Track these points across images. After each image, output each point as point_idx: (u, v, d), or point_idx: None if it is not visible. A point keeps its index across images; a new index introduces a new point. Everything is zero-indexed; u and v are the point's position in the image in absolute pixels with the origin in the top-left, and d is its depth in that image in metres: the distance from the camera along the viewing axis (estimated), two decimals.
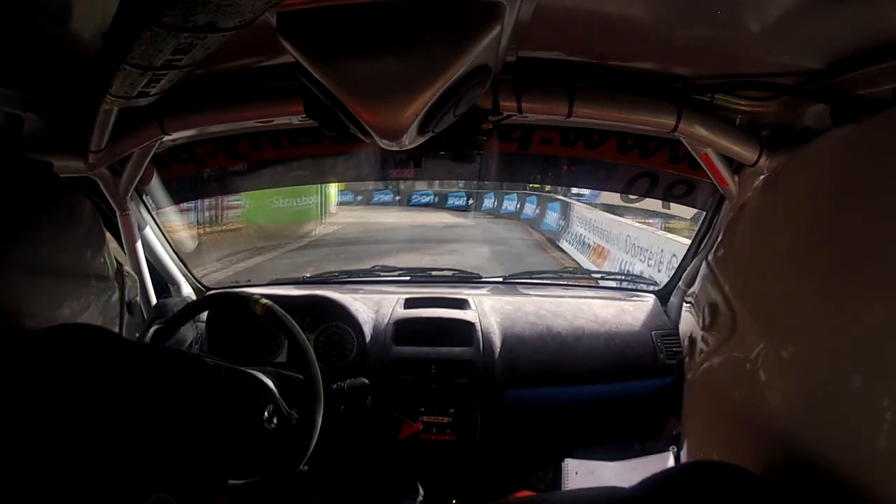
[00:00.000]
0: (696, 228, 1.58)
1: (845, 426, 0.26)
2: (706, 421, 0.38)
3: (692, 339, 0.40)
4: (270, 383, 0.92)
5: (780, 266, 0.32)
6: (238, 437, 0.77)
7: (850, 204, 0.30)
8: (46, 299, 0.49)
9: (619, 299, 1.66)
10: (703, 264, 0.41)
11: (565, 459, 1.10)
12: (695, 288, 0.42)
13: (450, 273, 1.95)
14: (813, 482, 0.28)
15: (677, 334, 1.51)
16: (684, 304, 0.45)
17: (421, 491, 1.33)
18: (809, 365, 0.28)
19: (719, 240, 0.41)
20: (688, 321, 0.42)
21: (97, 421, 0.40)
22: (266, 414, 0.86)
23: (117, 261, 0.62)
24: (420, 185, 16.51)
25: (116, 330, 0.59)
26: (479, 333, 1.48)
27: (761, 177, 0.38)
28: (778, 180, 0.37)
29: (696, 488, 0.29)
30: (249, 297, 0.92)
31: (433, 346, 1.47)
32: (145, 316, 1.47)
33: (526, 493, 1.18)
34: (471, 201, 15.19)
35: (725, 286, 0.36)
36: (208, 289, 1.73)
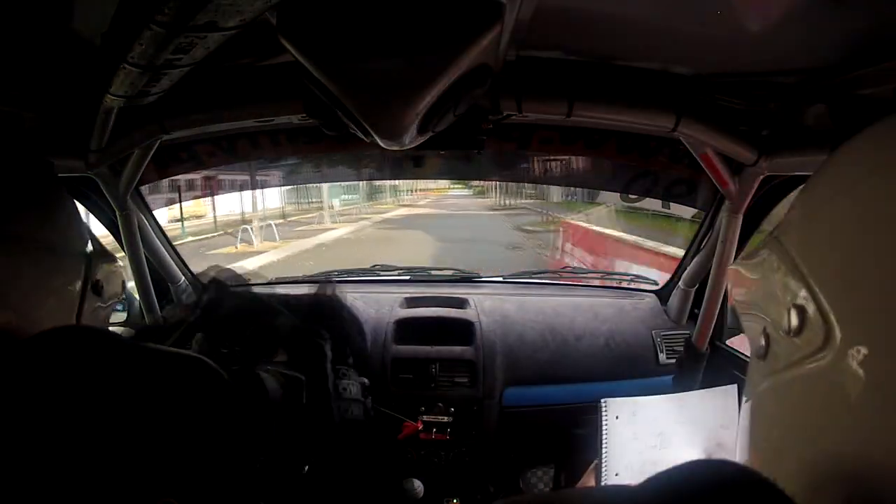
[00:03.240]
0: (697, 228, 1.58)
1: None
2: (773, 435, 0.34)
3: (768, 337, 0.34)
4: (272, 379, 0.93)
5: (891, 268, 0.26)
6: (245, 436, 0.77)
7: None
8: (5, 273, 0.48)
9: (620, 298, 1.66)
10: (771, 245, 0.34)
11: (603, 399, 1.04)
12: (757, 274, 0.35)
13: (450, 272, 1.95)
14: None
15: (677, 333, 1.51)
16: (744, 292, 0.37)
17: (420, 486, 1.32)
18: None
19: (796, 219, 0.34)
20: (756, 309, 0.36)
21: (100, 426, 0.40)
22: (272, 405, 0.89)
23: (96, 243, 0.62)
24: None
25: (76, 308, 0.58)
26: (480, 333, 1.48)
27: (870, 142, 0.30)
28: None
29: (702, 489, 0.29)
30: None
31: (433, 345, 1.47)
32: (143, 309, 1.47)
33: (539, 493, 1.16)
34: None
35: (815, 286, 0.29)
36: None
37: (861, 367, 0.26)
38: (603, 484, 0.94)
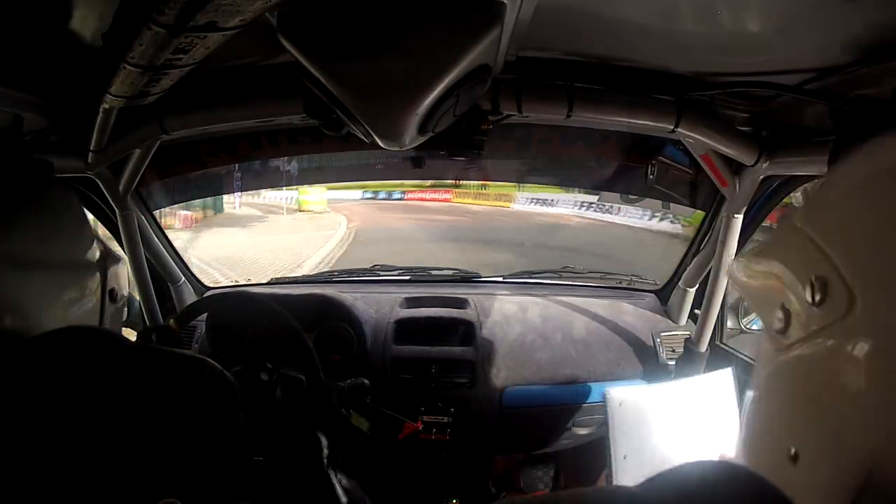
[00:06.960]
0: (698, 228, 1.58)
1: None
2: (785, 404, 0.36)
3: (786, 311, 0.36)
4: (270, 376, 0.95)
5: None
6: (246, 436, 0.78)
7: None
8: (30, 289, 0.49)
9: (619, 298, 1.66)
10: (785, 228, 0.36)
11: (607, 389, 1.09)
12: (769, 253, 0.38)
13: (450, 272, 1.95)
14: None
15: (677, 333, 1.51)
16: (753, 267, 0.40)
17: None
18: None
19: (812, 205, 0.37)
20: (774, 288, 0.37)
21: (103, 426, 0.40)
22: (268, 383, 0.92)
23: (104, 247, 0.62)
24: None
25: (98, 318, 0.59)
26: (479, 333, 1.48)
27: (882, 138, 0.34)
28: None
29: (701, 489, 0.29)
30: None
31: (433, 345, 1.47)
32: (143, 309, 1.47)
33: (539, 493, 1.17)
34: None
35: (834, 258, 0.32)
36: (208, 288, 1.73)
37: (881, 330, 0.28)
38: (613, 465, 1.00)
